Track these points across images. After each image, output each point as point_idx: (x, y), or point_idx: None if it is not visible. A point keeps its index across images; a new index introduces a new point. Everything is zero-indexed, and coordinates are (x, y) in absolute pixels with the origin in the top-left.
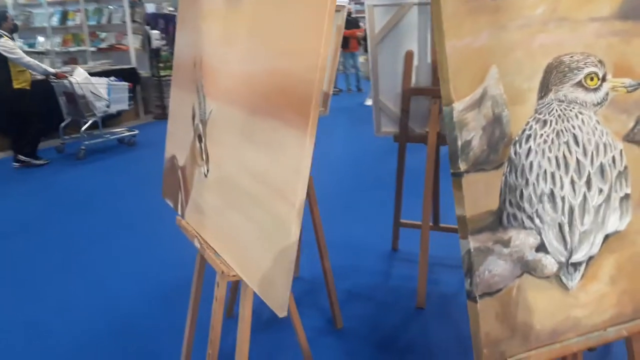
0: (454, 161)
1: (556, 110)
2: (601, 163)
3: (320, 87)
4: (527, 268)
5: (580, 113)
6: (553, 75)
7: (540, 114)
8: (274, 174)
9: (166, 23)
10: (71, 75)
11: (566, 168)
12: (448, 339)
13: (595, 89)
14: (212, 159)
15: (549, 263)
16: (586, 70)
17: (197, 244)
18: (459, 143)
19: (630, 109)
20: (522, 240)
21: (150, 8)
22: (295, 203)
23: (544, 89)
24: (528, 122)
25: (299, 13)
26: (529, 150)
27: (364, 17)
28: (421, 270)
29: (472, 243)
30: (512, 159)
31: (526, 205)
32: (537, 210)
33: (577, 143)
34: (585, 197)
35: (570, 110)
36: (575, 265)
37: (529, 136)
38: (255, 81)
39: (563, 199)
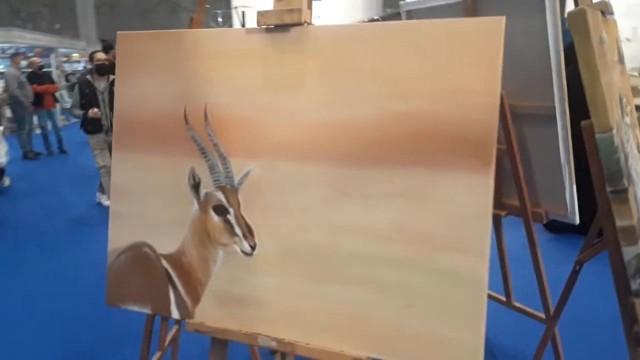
0: (617, 180)
1: (626, 132)
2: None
3: (497, 125)
4: None
5: (629, 134)
6: (619, 105)
7: (626, 134)
8: (430, 226)
9: None
10: None
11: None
12: None
13: (627, 114)
14: (263, 231)
15: None
16: (624, 101)
17: (266, 344)
18: (622, 163)
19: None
20: None
21: None
22: (484, 251)
23: (620, 116)
24: (624, 144)
25: (456, 50)
26: (630, 165)
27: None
28: None
29: None
30: (630, 173)
31: (638, 207)
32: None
33: (633, 157)
34: None
35: (627, 132)
36: None
37: (627, 154)
38: (373, 127)
39: None
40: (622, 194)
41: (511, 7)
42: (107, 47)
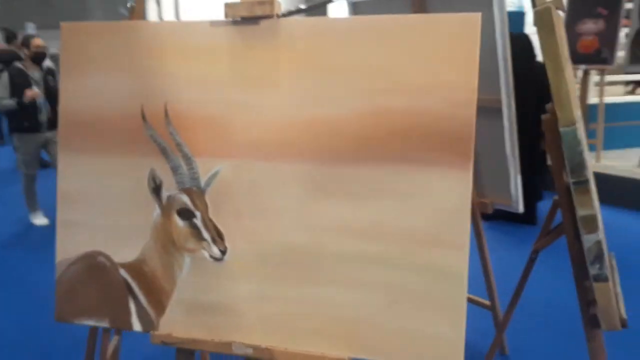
0: (579, 172)
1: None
2: None
3: (475, 121)
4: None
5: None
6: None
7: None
8: (411, 223)
9: None
10: None
11: None
12: None
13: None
14: (235, 234)
15: None
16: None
17: (241, 352)
18: (584, 155)
19: None
20: (600, 224)
21: None
22: (464, 245)
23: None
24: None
25: (433, 46)
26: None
27: None
28: None
29: (600, 234)
30: (587, 166)
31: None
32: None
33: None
34: None
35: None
36: None
37: (584, 146)
38: (350, 124)
39: None
40: (584, 184)
41: (458, 0)
42: (11, 37)
